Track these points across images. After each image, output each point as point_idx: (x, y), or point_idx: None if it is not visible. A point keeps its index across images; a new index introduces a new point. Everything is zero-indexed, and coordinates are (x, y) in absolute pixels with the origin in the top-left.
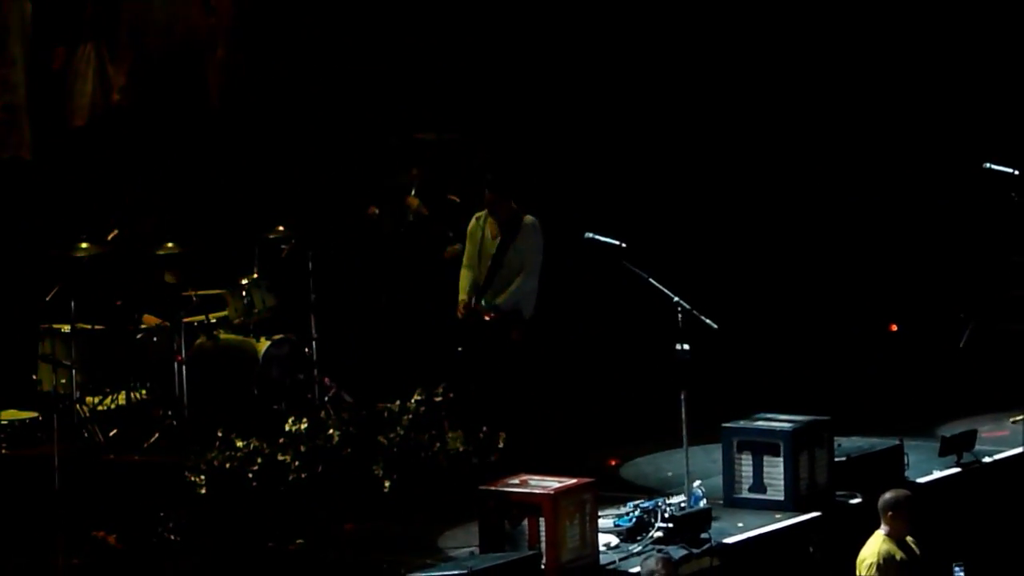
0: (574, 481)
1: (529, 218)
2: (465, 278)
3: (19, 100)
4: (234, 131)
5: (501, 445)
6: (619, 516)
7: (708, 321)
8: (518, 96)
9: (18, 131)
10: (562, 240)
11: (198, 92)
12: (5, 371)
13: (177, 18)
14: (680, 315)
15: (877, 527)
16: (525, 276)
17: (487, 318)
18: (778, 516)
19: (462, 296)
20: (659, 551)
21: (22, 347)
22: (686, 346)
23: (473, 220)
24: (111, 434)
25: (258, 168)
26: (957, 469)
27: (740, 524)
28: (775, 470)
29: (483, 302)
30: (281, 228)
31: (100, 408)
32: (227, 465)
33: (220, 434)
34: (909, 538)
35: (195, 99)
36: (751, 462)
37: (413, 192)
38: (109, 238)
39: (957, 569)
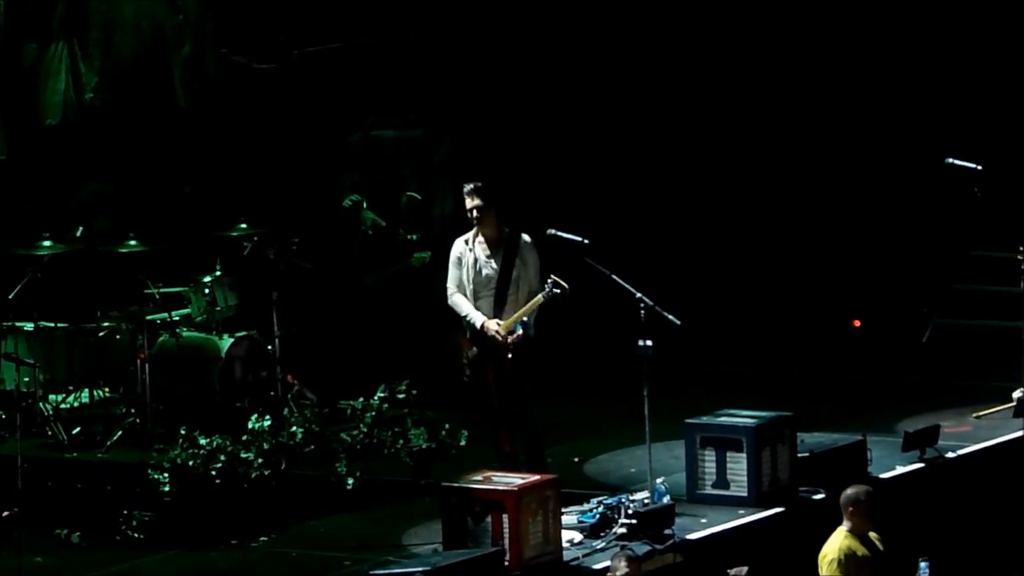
0: (537, 477)
1: (526, 236)
2: (467, 303)
3: None
4: (199, 129)
5: (463, 443)
6: (582, 512)
7: (671, 317)
8: (479, 92)
9: None
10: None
11: (165, 90)
12: None
13: (144, 15)
14: (643, 311)
15: (840, 523)
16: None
17: (512, 339)
18: (741, 512)
19: (489, 320)
20: (622, 547)
21: None
22: (649, 342)
23: (460, 244)
24: (74, 432)
25: (221, 166)
26: (920, 464)
27: (703, 520)
28: (738, 466)
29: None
30: (243, 225)
31: (63, 406)
32: (190, 463)
33: (183, 432)
34: (872, 534)
35: (162, 97)
36: (714, 458)
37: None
38: (77, 235)
39: (923, 565)
